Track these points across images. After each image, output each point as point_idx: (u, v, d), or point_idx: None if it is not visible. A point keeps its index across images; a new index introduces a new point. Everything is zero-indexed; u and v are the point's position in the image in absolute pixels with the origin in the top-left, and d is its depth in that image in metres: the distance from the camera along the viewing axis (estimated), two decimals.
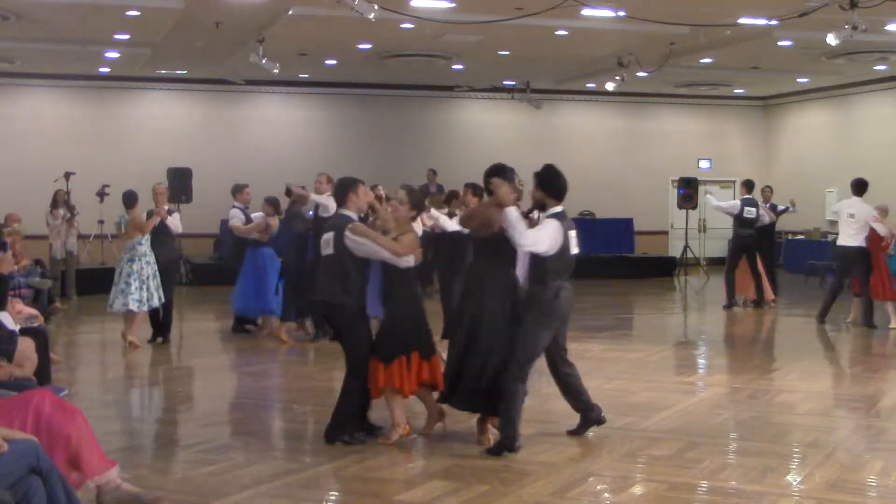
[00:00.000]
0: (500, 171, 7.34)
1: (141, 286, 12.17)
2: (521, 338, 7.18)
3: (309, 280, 12.50)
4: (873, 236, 14.00)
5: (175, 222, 12.90)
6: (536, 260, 7.20)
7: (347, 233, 7.42)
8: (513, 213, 6.99)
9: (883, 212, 14.45)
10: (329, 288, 7.50)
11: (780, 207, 17.87)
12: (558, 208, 7.27)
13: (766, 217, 17.08)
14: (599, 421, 7.67)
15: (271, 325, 13.29)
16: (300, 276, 12.50)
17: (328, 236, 7.54)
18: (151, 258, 12.36)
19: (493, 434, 7.40)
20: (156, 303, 12.36)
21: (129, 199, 12.42)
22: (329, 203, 12.70)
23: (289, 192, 13.14)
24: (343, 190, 7.72)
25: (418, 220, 10.20)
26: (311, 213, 12.81)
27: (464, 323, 7.35)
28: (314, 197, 12.57)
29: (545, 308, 7.20)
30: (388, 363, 7.36)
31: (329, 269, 7.56)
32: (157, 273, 12.39)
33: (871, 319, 13.98)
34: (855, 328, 14.13)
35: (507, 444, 7.14)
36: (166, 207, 12.78)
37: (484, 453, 7.14)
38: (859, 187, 14.24)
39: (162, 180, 14.41)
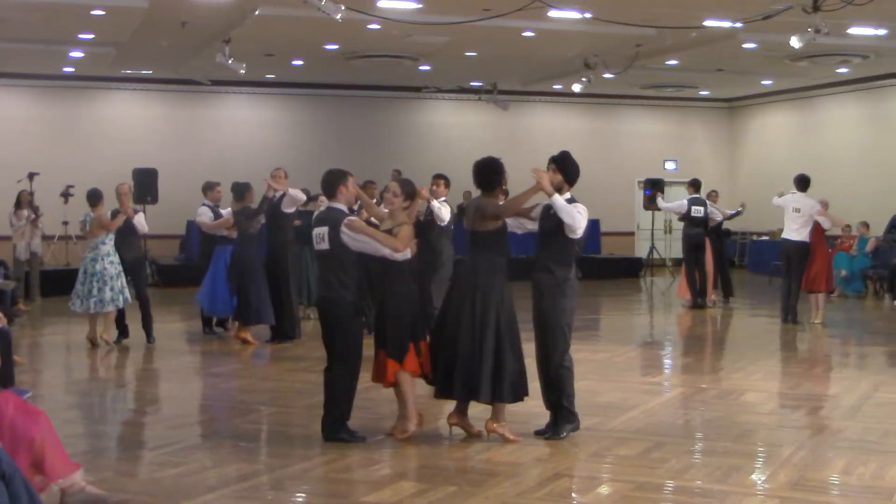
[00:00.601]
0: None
1: (104, 286, 12.10)
2: (558, 323, 7.46)
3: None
4: (818, 230, 14.42)
5: (141, 221, 12.83)
6: (568, 244, 7.47)
7: (344, 229, 7.40)
8: (561, 199, 7.37)
9: (825, 205, 14.88)
10: (326, 282, 7.51)
11: (730, 212, 18.06)
12: (569, 194, 7.57)
13: (718, 215, 17.28)
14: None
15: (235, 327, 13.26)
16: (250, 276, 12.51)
17: (321, 231, 7.49)
18: (115, 258, 12.30)
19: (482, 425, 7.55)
20: (121, 303, 12.29)
21: (94, 198, 12.33)
22: (300, 196, 12.84)
23: (238, 191, 13.00)
24: (333, 183, 7.64)
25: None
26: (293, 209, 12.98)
27: (465, 315, 7.40)
28: (291, 191, 12.69)
29: (573, 288, 7.54)
30: (402, 357, 7.47)
31: (324, 264, 7.57)
32: (122, 273, 12.33)
33: (795, 315, 14.45)
34: (821, 328, 14.30)
35: (576, 425, 7.62)
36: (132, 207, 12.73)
37: (548, 439, 7.50)
38: (803, 183, 14.68)
39: (127, 181, 14.28)
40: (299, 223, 13.60)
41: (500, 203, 7.69)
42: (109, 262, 12.22)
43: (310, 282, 14.41)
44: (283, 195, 12.65)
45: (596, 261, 23.58)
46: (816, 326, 14.30)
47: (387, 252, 7.45)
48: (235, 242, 12.84)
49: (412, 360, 7.52)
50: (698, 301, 16.68)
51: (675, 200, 18.41)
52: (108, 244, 12.28)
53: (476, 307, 7.37)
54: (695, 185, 17.28)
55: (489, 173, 7.64)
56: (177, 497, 6.16)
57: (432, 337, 7.69)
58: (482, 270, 7.44)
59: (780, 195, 15.06)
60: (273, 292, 12.58)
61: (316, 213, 8.34)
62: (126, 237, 12.57)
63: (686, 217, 16.90)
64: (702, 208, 16.84)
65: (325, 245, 7.48)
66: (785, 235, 14.75)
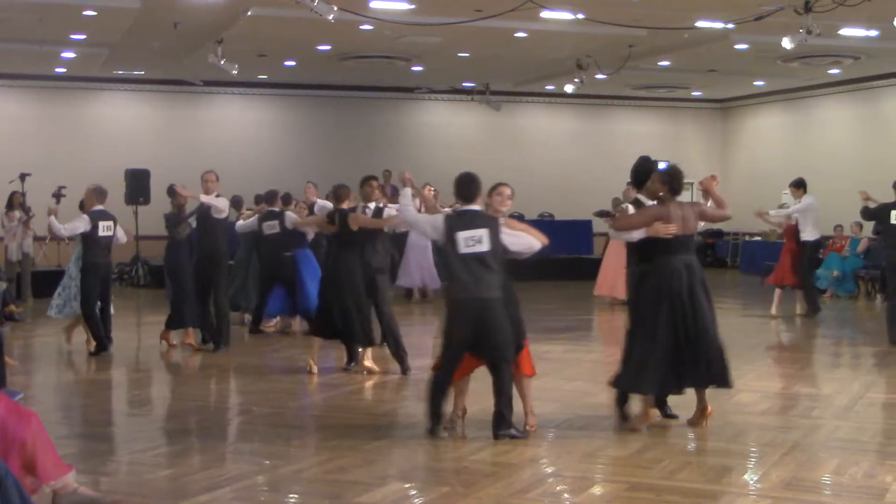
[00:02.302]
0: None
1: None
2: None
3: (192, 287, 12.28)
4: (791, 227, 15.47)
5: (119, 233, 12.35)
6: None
7: (505, 229, 7.60)
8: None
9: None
10: (485, 283, 7.52)
11: None
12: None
13: None
14: None
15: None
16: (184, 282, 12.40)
17: (477, 233, 7.51)
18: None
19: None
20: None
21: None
22: (219, 203, 12.18)
23: (172, 193, 12.88)
24: (474, 187, 7.70)
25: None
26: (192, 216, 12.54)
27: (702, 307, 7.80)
28: (203, 198, 12.04)
29: None
30: (519, 352, 7.71)
31: (478, 266, 7.52)
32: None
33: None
34: (807, 324, 14.34)
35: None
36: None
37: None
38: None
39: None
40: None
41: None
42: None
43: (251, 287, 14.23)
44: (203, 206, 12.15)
45: (588, 261, 23.54)
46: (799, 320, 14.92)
47: (538, 247, 7.77)
48: (166, 249, 12.81)
49: (527, 357, 7.83)
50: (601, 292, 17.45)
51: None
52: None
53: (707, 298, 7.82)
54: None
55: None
56: (170, 498, 6.14)
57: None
58: (699, 267, 7.88)
59: (782, 206, 15.89)
60: (202, 298, 12.25)
61: (448, 217, 7.86)
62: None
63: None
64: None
65: (483, 247, 7.51)
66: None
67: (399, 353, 10.53)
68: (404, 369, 10.45)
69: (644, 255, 7.94)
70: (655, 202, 7.92)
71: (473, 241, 7.52)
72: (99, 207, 11.89)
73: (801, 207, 15.08)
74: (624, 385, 8.00)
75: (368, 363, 10.47)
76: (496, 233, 7.57)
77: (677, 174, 7.94)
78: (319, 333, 10.48)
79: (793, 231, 15.38)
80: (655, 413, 8.08)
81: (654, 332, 7.66)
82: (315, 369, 10.45)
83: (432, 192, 11.64)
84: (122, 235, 12.24)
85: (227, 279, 12.78)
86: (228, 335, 12.29)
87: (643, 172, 8.27)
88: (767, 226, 23.81)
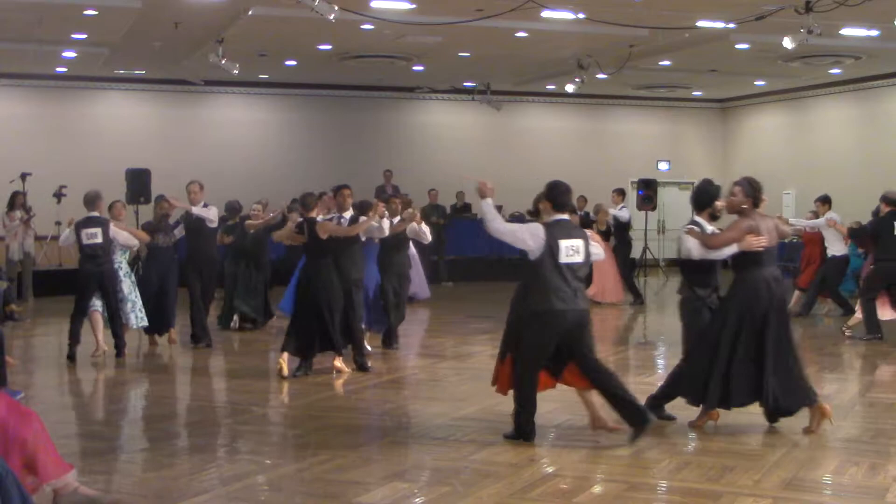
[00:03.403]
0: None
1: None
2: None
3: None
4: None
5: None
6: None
7: (592, 241, 7.73)
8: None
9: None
10: (582, 295, 7.48)
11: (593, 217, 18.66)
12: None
13: (626, 215, 18.28)
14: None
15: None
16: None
17: (576, 243, 7.38)
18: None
19: None
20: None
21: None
22: (211, 215, 12.40)
23: (160, 200, 12.89)
24: (569, 195, 7.63)
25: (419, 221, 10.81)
26: (178, 224, 12.67)
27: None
28: (196, 210, 12.29)
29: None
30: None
31: (576, 277, 7.43)
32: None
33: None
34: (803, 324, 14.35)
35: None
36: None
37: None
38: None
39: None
40: (230, 240, 13.69)
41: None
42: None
43: (233, 300, 14.13)
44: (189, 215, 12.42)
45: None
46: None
47: (603, 257, 8.34)
48: (148, 256, 12.89)
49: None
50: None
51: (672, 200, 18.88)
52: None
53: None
54: (622, 193, 18.59)
55: None
56: (170, 498, 6.15)
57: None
58: (782, 279, 8.03)
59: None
60: (198, 301, 12.48)
61: (548, 225, 7.50)
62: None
63: (628, 224, 18.24)
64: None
65: (579, 258, 7.40)
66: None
67: (358, 358, 10.69)
68: (363, 368, 10.61)
69: (735, 266, 7.94)
70: (737, 216, 7.92)
71: (573, 250, 7.36)
72: (92, 214, 11.57)
73: (821, 223, 14.99)
74: (691, 396, 8.01)
75: (339, 363, 10.48)
76: (587, 244, 7.51)
77: (759, 186, 7.93)
78: (298, 354, 10.37)
79: (816, 239, 15.39)
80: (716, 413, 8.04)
81: (733, 344, 7.70)
82: (286, 371, 10.26)
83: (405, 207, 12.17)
84: (124, 238, 11.88)
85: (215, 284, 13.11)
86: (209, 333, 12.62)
87: (708, 195, 8.20)
88: None
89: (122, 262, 12.04)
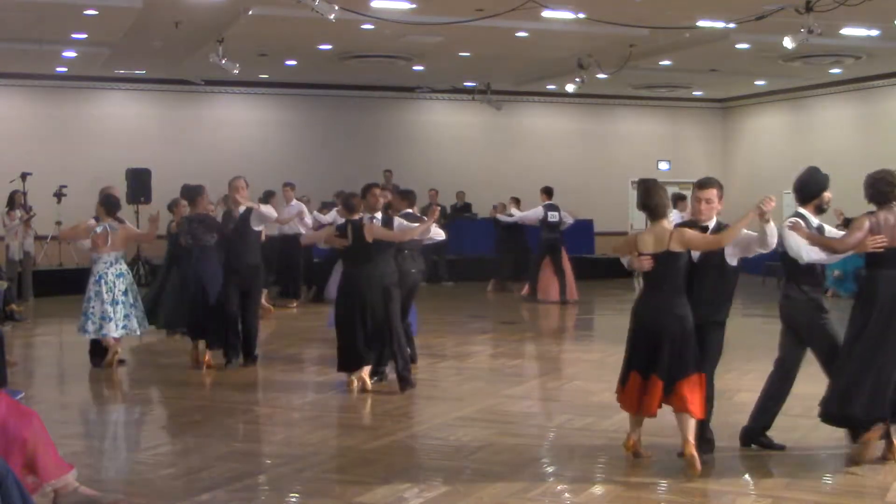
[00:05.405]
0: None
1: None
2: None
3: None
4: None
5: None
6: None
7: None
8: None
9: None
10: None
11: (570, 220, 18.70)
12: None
13: (570, 219, 18.40)
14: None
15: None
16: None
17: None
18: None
19: None
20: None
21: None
22: (271, 213, 11.28)
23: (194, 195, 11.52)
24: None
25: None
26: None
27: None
28: (264, 208, 11.12)
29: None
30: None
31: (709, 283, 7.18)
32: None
33: None
34: None
35: None
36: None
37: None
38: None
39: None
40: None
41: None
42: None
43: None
44: (250, 210, 11.00)
45: (589, 261, 23.56)
46: None
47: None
48: (197, 257, 11.32)
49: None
50: (538, 297, 17.62)
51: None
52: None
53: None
54: (548, 192, 18.34)
55: None
56: (170, 498, 6.15)
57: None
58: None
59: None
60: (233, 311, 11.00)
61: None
62: None
63: (543, 222, 17.96)
64: (556, 213, 18.02)
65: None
66: None
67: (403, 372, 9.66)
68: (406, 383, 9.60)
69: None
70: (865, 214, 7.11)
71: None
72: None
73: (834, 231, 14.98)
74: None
75: (366, 375, 9.59)
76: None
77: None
78: (345, 369, 9.58)
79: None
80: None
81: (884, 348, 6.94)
82: (369, 385, 9.55)
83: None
84: (115, 239, 11.01)
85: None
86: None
87: (817, 185, 7.35)
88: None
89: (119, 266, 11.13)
